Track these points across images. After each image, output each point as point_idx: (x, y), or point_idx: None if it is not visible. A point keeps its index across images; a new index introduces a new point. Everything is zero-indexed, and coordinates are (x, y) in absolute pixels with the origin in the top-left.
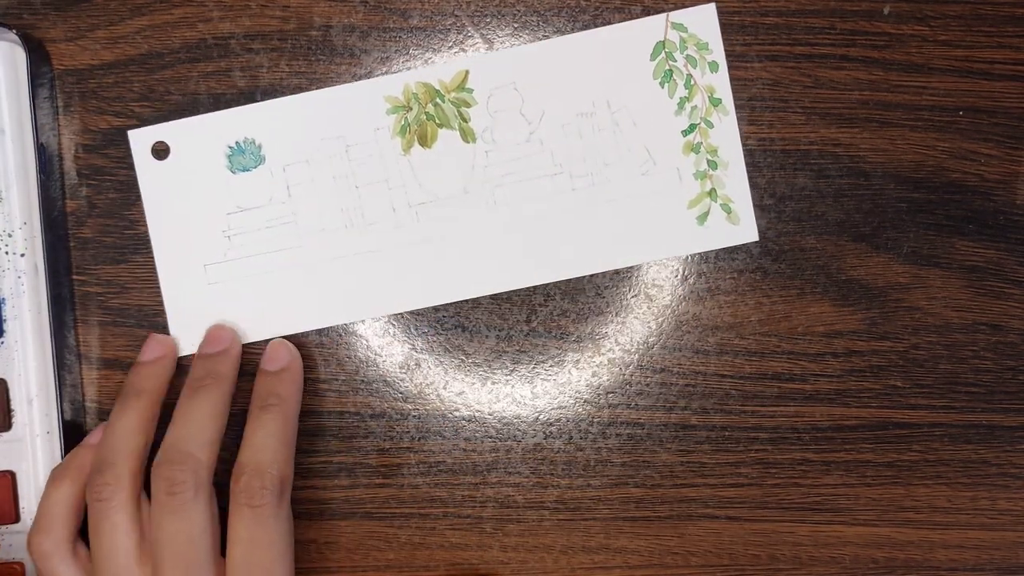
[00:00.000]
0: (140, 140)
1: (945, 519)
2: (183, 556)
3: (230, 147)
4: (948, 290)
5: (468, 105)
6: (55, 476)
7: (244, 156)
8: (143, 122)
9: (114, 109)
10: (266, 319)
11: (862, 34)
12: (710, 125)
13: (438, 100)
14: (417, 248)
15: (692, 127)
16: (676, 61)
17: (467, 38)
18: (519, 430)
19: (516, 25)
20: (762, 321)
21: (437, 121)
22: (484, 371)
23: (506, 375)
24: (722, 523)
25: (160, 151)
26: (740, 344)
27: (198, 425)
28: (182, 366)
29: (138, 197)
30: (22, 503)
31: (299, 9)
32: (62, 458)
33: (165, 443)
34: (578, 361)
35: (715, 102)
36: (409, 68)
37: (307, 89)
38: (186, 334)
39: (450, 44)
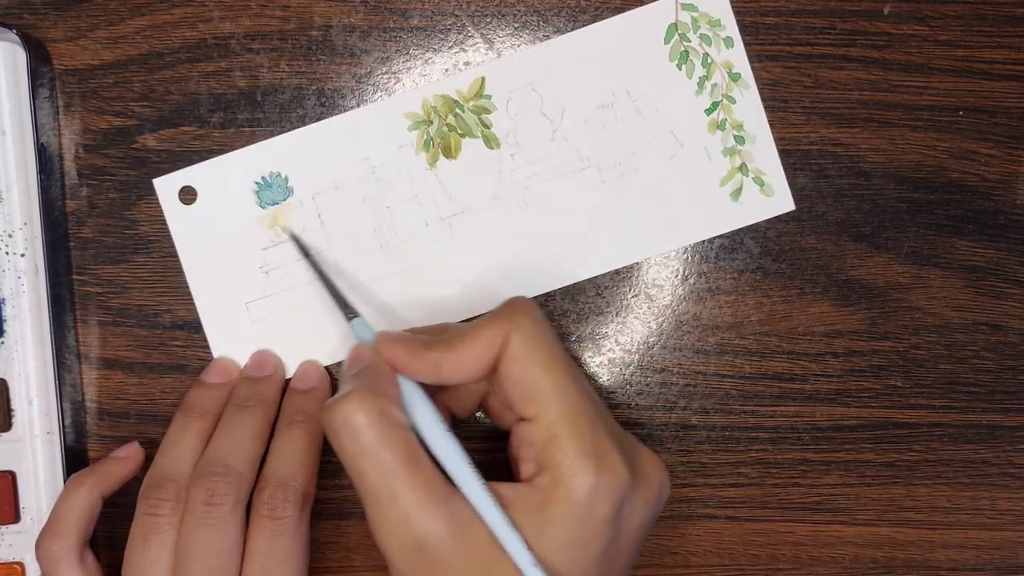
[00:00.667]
0: (166, 187)
1: (945, 519)
2: (211, 569)
3: (256, 183)
4: (948, 290)
5: (488, 111)
6: (76, 481)
7: (272, 190)
8: (143, 122)
9: (114, 109)
10: (311, 350)
11: (862, 34)
12: (732, 101)
13: (458, 110)
14: (454, 260)
15: (715, 105)
16: (691, 41)
17: (467, 38)
18: None
19: (516, 25)
20: (762, 321)
21: (459, 131)
22: None
23: None
24: (722, 523)
25: (187, 196)
26: (740, 344)
27: (242, 442)
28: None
29: (139, 197)
30: (22, 503)
31: (299, 9)
32: (62, 458)
33: (208, 456)
34: (578, 361)
35: (735, 77)
36: (421, 76)
37: (307, 89)
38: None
39: (450, 44)
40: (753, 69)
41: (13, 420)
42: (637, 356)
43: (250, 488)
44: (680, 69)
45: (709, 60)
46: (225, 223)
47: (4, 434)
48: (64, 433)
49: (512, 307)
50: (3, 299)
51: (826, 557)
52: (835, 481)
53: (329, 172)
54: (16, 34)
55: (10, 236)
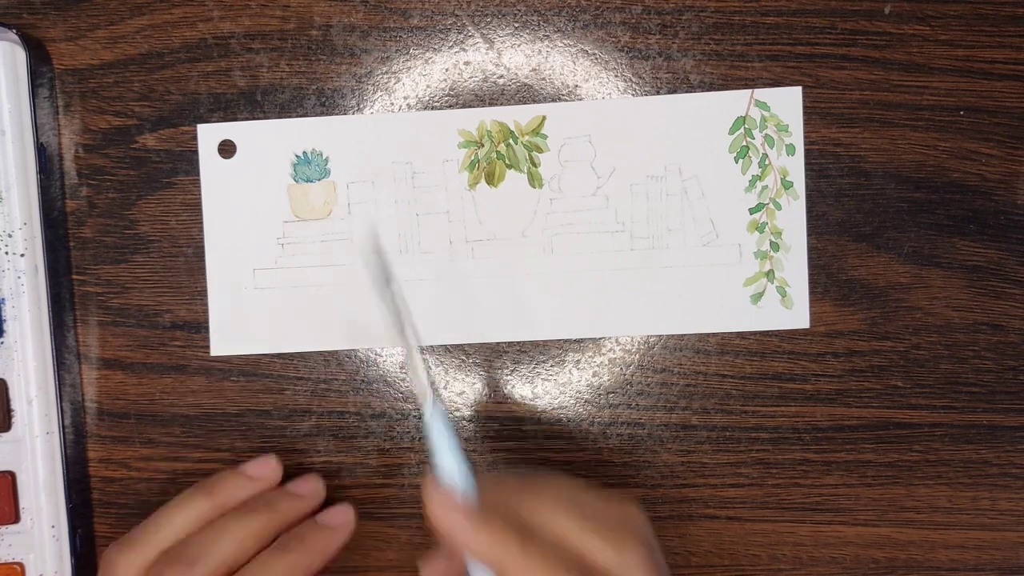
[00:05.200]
0: (207, 135)
1: (946, 519)
2: None
3: (296, 156)
4: (949, 290)
5: (540, 150)
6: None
7: (309, 167)
8: (143, 122)
9: (114, 109)
10: (307, 332)
11: (863, 34)
12: (778, 207)
13: (511, 141)
14: (467, 284)
15: (760, 206)
16: (754, 139)
17: (467, 38)
18: (520, 430)
19: (516, 25)
20: None
21: (507, 162)
22: (485, 371)
23: (507, 375)
24: (723, 523)
25: (226, 149)
26: (741, 344)
27: (226, 543)
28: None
29: (139, 197)
30: (22, 503)
31: (299, 9)
32: (62, 458)
33: (188, 540)
34: (579, 361)
35: (787, 185)
36: (421, 76)
37: (307, 88)
38: (226, 334)
39: (450, 44)
40: (753, 69)
41: (13, 420)
42: (638, 356)
43: None
44: (737, 162)
45: (767, 161)
46: (255, 186)
47: (4, 434)
48: (64, 433)
49: (625, 545)
50: (3, 299)
51: (827, 557)
52: (836, 481)
53: (370, 165)
54: (16, 34)
55: (10, 236)
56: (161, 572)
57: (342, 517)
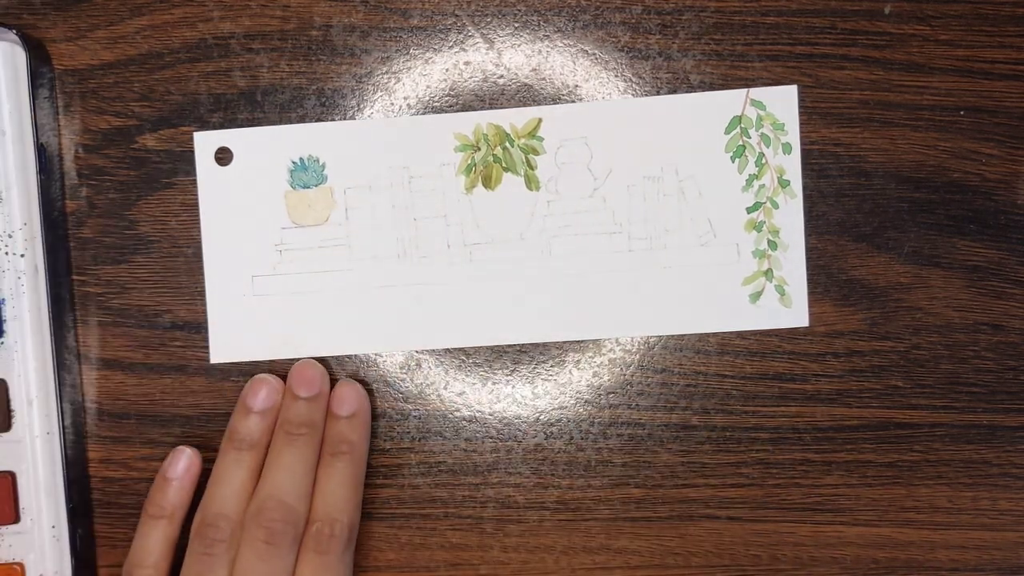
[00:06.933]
0: (204, 143)
1: (946, 519)
2: None
3: (293, 162)
4: (949, 290)
5: (536, 153)
6: (151, 515)
7: (306, 173)
8: (143, 122)
9: (114, 109)
10: (307, 338)
11: (863, 34)
12: (775, 206)
13: (507, 144)
14: (466, 287)
15: (757, 205)
16: (750, 138)
17: (467, 38)
18: (520, 430)
19: (516, 25)
20: None
21: (503, 165)
22: (485, 371)
23: (507, 375)
24: (723, 523)
25: (223, 157)
26: (741, 344)
27: (298, 478)
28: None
29: (139, 197)
30: (22, 503)
31: (299, 9)
32: (62, 459)
33: (265, 491)
34: (579, 361)
35: (784, 183)
36: (421, 76)
37: (307, 89)
38: (225, 341)
39: (450, 44)
40: (753, 69)
41: (13, 420)
42: (638, 356)
43: (304, 521)
44: (733, 162)
45: (763, 160)
46: (252, 193)
47: (4, 434)
48: (64, 433)
49: None
50: (3, 299)
51: (827, 558)
52: (836, 481)
53: (366, 171)
54: (16, 34)
55: (10, 236)
56: (270, 528)
57: (354, 398)
